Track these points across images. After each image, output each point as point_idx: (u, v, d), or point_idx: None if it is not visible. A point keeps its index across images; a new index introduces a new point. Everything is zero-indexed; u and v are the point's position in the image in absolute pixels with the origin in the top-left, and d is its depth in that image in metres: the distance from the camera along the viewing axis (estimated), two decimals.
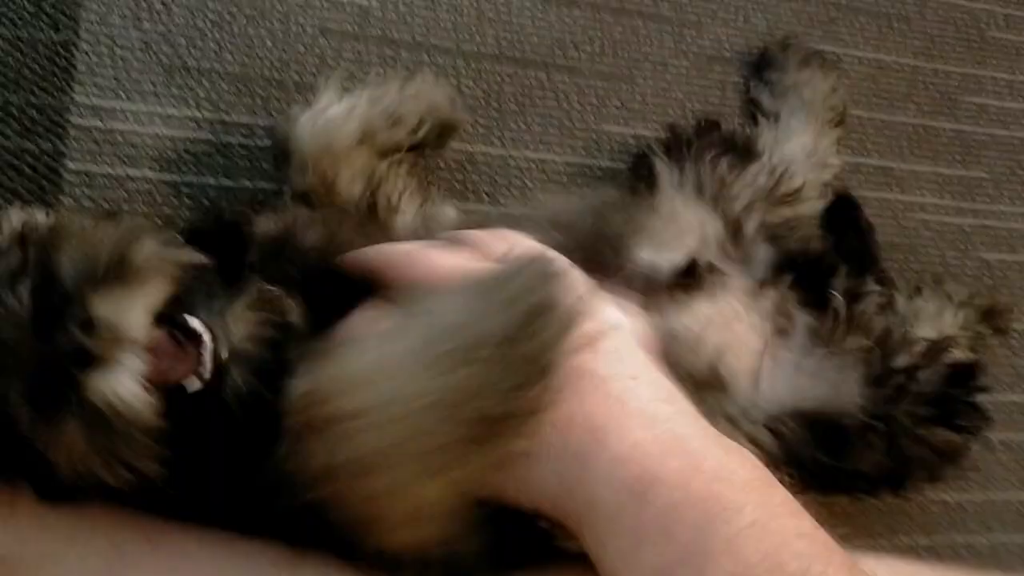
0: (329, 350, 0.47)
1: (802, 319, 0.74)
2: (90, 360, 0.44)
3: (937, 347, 0.74)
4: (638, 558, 0.44)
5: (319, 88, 0.70)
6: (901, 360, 0.72)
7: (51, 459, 0.46)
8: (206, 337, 0.47)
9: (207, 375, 0.47)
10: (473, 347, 0.43)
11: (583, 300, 0.50)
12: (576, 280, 0.53)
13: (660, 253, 0.70)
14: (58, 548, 0.52)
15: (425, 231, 0.68)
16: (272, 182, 0.75)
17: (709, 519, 0.43)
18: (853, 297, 0.76)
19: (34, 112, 0.71)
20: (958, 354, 0.73)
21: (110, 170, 0.71)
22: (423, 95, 0.73)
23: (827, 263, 0.80)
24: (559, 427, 0.47)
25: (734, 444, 0.49)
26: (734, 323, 0.71)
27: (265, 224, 0.60)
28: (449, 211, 0.75)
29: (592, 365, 0.49)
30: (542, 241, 0.61)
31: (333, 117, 0.68)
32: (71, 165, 0.70)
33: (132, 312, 0.47)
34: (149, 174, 0.72)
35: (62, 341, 0.44)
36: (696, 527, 0.43)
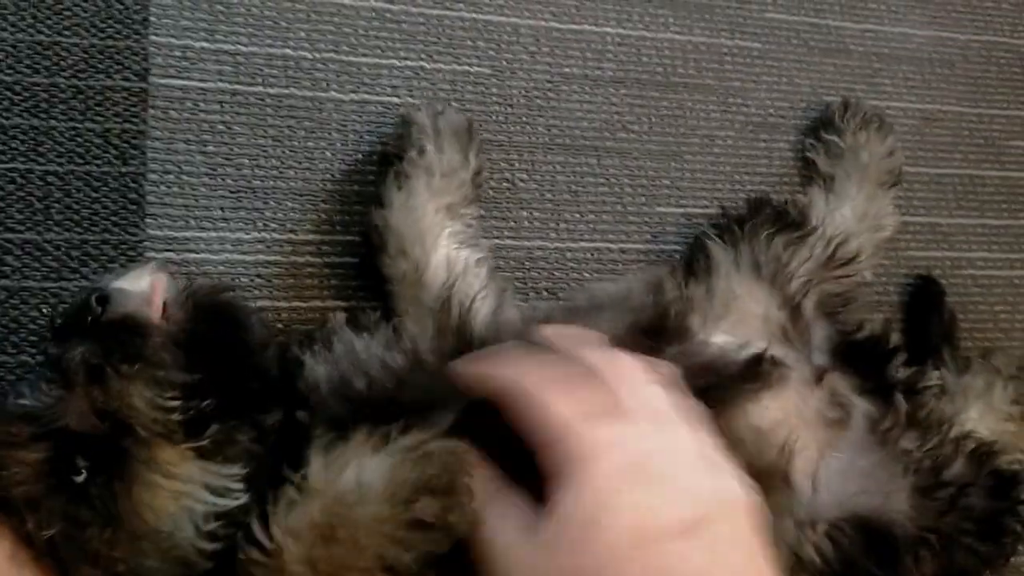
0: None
1: (860, 408, 0.79)
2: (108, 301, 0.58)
3: (985, 451, 0.78)
4: None
5: (408, 174, 0.78)
6: (950, 472, 0.76)
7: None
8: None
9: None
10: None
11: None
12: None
13: (725, 337, 0.75)
14: None
15: (495, 334, 0.73)
16: (340, 300, 0.80)
17: None
18: (912, 390, 0.80)
19: (110, 249, 0.75)
20: (1006, 459, 0.77)
21: None
22: (457, 133, 0.81)
23: (886, 348, 0.84)
24: None
25: None
26: (796, 421, 0.75)
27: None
28: (512, 313, 0.79)
29: (693, 557, 0.50)
30: (606, 325, 0.68)
31: (419, 197, 0.77)
32: None
33: (137, 281, 0.61)
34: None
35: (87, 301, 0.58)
36: None
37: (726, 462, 0.56)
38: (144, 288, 0.60)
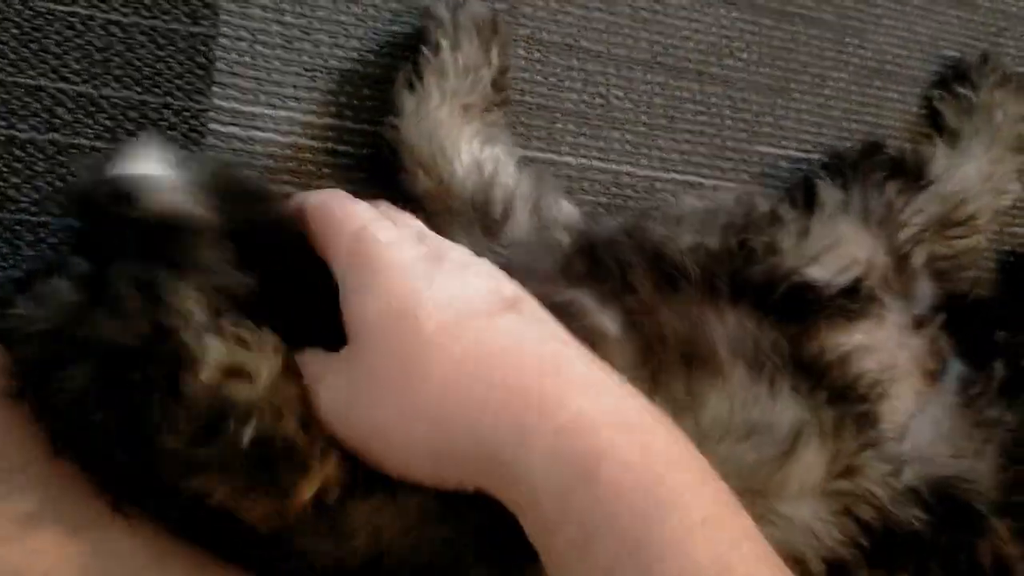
0: None
1: (955, 368, 0.75)
2: (131, 195, 0.49)
3: None
4: (589, 552, 0.43)
5: (421, 75, 0.71)
6: None
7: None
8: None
9: None
10: None
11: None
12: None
13: (820, 269, 0.69)
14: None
15: (540, 236, 0.69)
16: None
17: (659, 509, 0.42)
18: (1015, 357, 0.75)
19: (171, 115, 0.69)
20: None
21: None
22: (479, 27, 0.73)
23: (993, 315, 0.79)
24: (491, 399, 0.47)
25: (673, 425, 0.48)
26: (889, 365, 0.70)
27: None
28: (567, 206, 0.74)
29: (518, 328, 0.49)
30: (683, 238, 0.65)
31: (431, 101, 0.70)
32: None
33: (149, 164, 0.52)
34: (287, 190, 0.70)
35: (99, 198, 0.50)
36: (645, 517, 0.42)
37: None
38: (161, 171, 0.52)
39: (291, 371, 0.51)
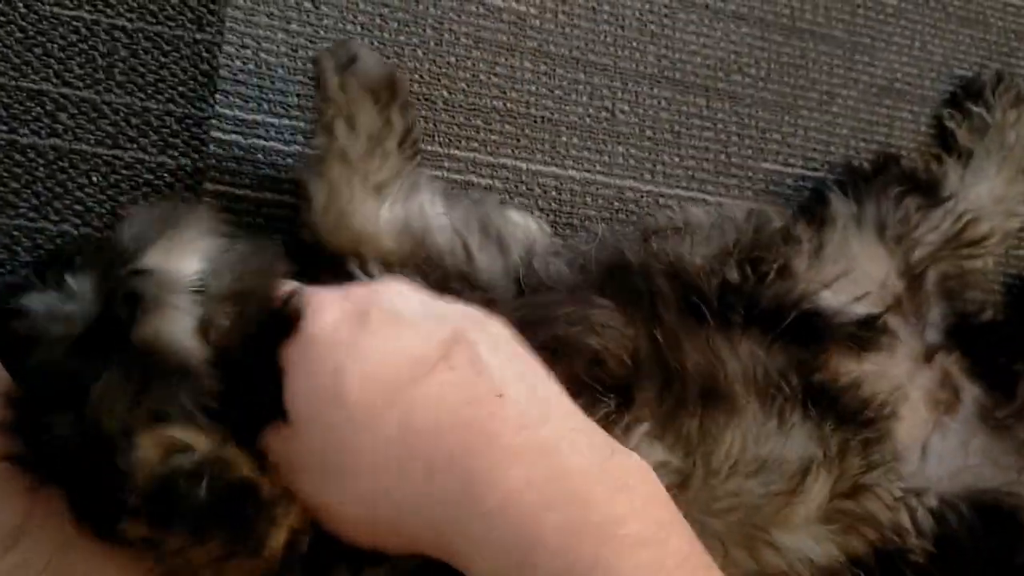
0: None
1: (971, 392, 0.74)
2: (141, 304, 0.47)
3: None
4: None
5: (323, 160, 0.65)
6: None
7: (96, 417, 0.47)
8: None
9: None
10: None
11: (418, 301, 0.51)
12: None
13: (832, 296, 0.69)
14: None
15: (501, 251, 0.67)
16: None
17: None
18: None
19: (173, 122, 0.69)
20: None
21: (249, 192, 0.70)
22: (374, 91, 0.64)
23: (1002, 337, 0.79)
24: (422, 483, 0.46)
25: (621, 470, 0.47)
26: (899, 391, 0.69)
27: None
28: (516, 216, 0.71)
29: (447, 392, 0.46)
30: (692, 249, 0.64)
31: (342, 193, 0.64)
32: (209, 186, 0.69)
33: (184, 259, 0.49)
34: (288, 200, 0.70)
35: (115, 289, 0.47)
36: None
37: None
38: (189, 274, 0.49)
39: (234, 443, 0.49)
